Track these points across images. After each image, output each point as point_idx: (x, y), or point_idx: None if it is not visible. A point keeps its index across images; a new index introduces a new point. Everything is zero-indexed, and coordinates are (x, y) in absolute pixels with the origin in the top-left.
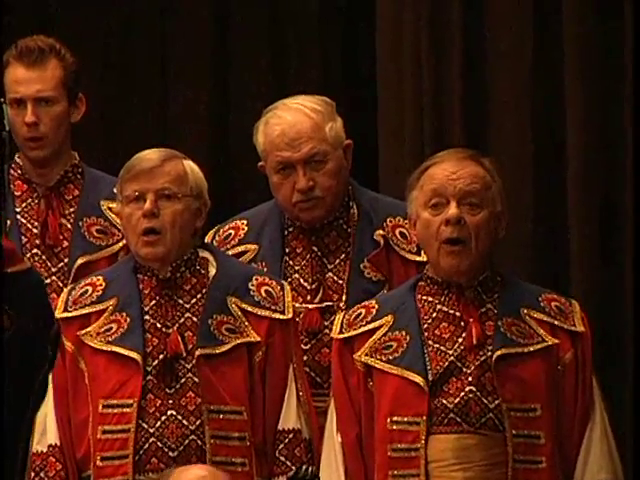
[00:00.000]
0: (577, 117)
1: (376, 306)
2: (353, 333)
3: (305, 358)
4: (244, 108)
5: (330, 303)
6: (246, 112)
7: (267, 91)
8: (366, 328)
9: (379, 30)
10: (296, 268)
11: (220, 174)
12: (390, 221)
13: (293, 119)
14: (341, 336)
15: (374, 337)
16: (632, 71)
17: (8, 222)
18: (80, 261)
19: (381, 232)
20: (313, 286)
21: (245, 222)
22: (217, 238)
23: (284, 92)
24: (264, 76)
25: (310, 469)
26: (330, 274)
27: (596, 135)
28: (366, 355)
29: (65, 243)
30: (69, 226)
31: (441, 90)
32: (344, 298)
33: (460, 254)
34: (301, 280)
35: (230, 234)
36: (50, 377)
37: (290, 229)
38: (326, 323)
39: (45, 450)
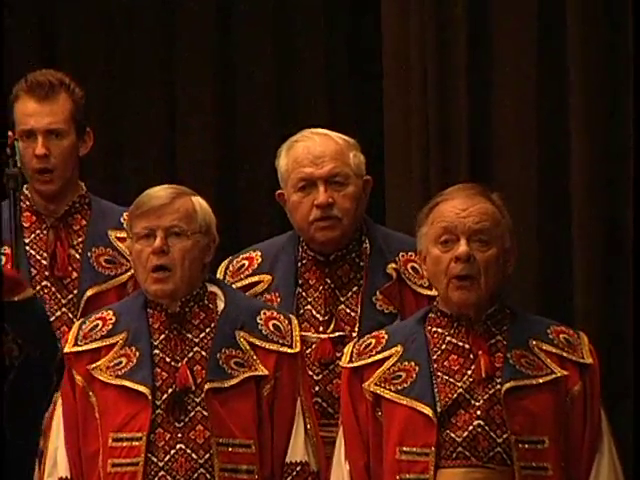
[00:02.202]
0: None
1: (386, 336)
2: (362, 363)
3: (317, 388)
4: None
5: (342, 333)
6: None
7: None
8: (375, 358)
9: (386, 71)
10: (309, 299)
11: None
12: (402, 256)
13: (320, 140)
14: (350, 365)
15: (383, 367)
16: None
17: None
18: (89, 292)
19: (393, 265)
20: (326, 317)
21: (259, 253)
22: (230, 268)
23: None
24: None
25: None
26: (342, 306)
27: (601, 159)
28: (375, 385)
29: (74, 274)
30: (78, 257)
31: (447, 118)
32: (356, 329)
33: (469, 289)
34: (314, 311)
35: (244, 264)
36: (60, 410)
37: (304, 261)
38: (338, 354)
39: None
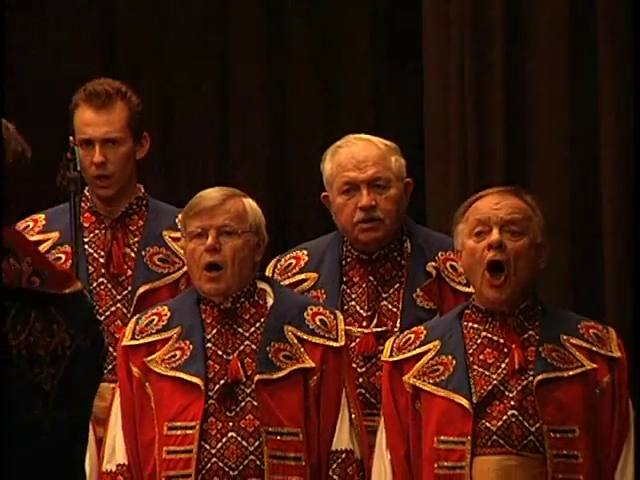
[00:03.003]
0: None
1: (425, 332)
2: (402, 357)
3: (360, 380)
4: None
5: (385, 328)
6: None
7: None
8: (415, 352)
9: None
10: (353, 296)
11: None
12: (441, 254)
13: (362, 145)
14: (391, 359)
15: (422, 361)
16: None
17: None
18: (142, 289)
19: (433, 264)
20: (369, 313)
21: (306, 252)
22: (278, 267)
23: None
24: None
25: None
26: (385, 302)
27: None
28: (414, 378)
29: (129, 272)
30: (133, 255)
31: (484, 137)
32: (398, 325)
33: (501, 286)
34: (357, 307)
35: (291, 263)
36: (118, 401)
37: (348, 259)
38: (380, 348)
39: (114, 469)
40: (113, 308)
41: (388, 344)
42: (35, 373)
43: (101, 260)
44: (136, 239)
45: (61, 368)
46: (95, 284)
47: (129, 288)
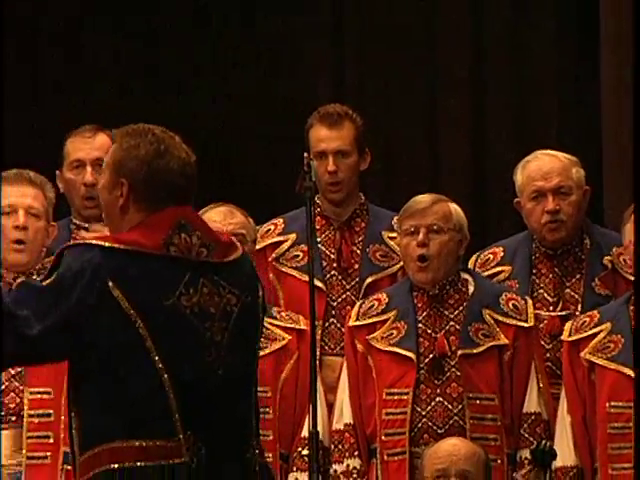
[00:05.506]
0: None
1: (598, 315)
2: (579, 336)
3: (547, 355)
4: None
5: (568, 312)
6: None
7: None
8: (589, 332)
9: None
10: (541, 285)
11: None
12: (615, 249)
13: (548, 160)
14: (570, 339)
15: (596, 339)
16: None
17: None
18: (369, 280)
19: (609, 258)
20: (555, 299)
21: (502, 249)
22: (478, 261)
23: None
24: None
25: (548, 443)
26: (568, 290)
27: None
28: (589, 354)
29: (356, 266)
30: (358, 252)
31: None
32: (579, 309)
33: None
34: (545, 294)
35: (489, 258)
36: (345, 372)
37: (537, 254)
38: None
39: (342, 428)
40: (344, 296)
41: (567, 326)
42: (207, 327)
43: (332, 256)
44: (360, 238)
45: (230, 322)
46: (328, 276)
47: (356, 279)
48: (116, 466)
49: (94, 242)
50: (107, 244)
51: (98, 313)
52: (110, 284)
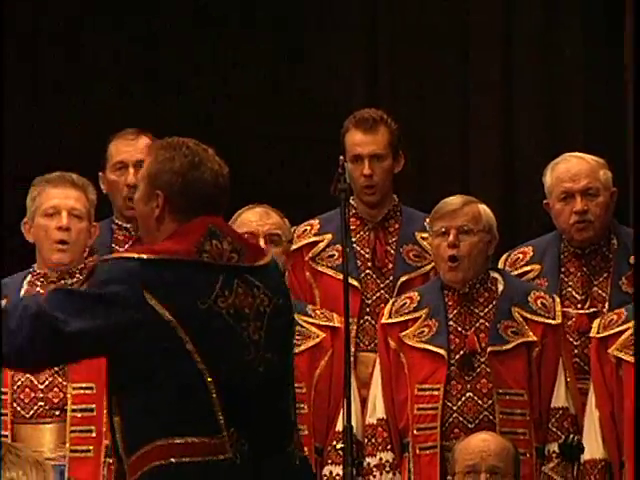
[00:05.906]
0: None
1: (625, 313)
2: (607, 333)
3: (575, 351)
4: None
5: (596, 310)
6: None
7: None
8: (617, 329)
9: None
10: (570, 283)
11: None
12: None
13: (576, 162)
14: (598, 335)
15: (623, 337)
16: None
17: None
18: (402, 279)
19: None
20: (583, 297)
21: (531, 248)
22: (508, 260)
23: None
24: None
25: (575, 437)
26: (596, 288)
27: None
28: (617, 350)
29: (390, 265)
30: (392, 252)
31: None
32: (607, 306)
33: None
34: (573, 292)
35: (519, 257)
36: (378, 367)
37: (565, 254)
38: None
39: (375, 422)
40: (378, 294)
41: (595, 323)
42: (244, 327)
43: (367, 256)
44: (394, 239)
45: (264, 321)
46: (362, 275)
47: (390, 278)
48: (163, 462)
49: (130, 255)
50: (144, 256)
51: (135, 324)
52: (146, 295)
